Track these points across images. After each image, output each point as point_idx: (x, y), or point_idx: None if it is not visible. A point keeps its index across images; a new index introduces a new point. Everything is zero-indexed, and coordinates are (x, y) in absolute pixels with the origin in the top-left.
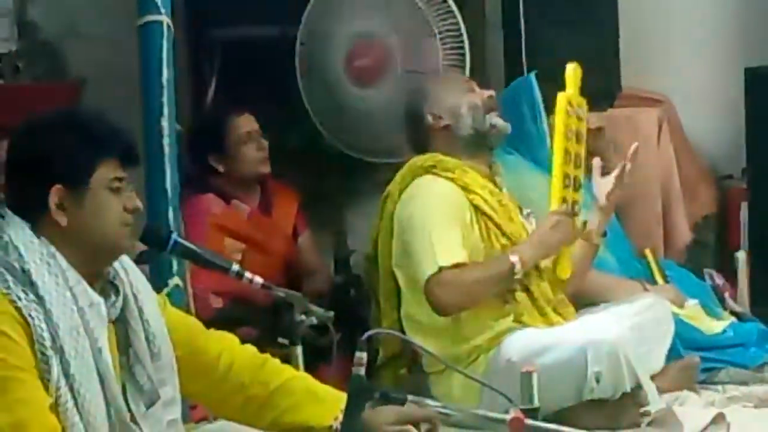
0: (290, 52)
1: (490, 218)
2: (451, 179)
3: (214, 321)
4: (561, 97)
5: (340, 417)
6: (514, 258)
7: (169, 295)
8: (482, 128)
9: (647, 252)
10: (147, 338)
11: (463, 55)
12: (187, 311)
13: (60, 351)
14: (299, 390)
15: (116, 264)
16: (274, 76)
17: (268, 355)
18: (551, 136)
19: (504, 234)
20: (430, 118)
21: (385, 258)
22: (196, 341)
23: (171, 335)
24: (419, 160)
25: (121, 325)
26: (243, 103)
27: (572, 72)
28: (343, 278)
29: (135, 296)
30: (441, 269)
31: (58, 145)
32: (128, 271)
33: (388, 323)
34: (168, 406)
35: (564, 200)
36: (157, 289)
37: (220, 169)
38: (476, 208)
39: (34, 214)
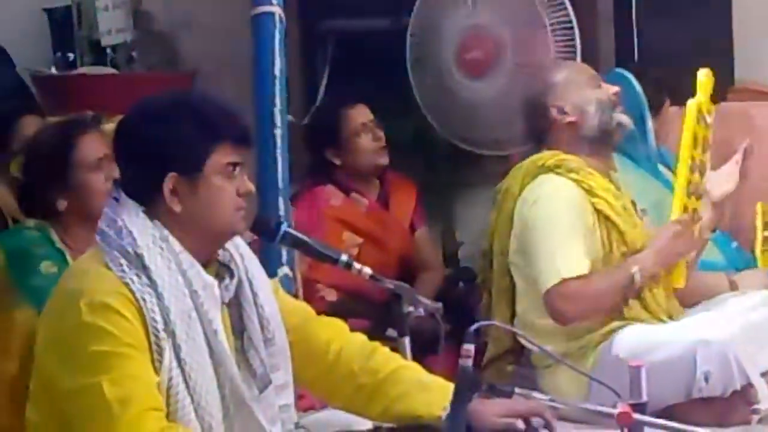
0: (401, 44)
1: (614, 224)
2: (576, 181)
3: (325, 314)
4: (692, 105)
5: (449, 407)
6: (634, 269)
7: None
8: (608, 127)
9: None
10: (261, 323)
11: (574, 47)
12: None
13: (172, 335)
14: (409, 379)
15: (232, 248)
16: (384, 67)
17: (377, 344)
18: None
19: (625, 241)
20: (554, 112)
21: (502, 255)
22: (308, 327)
23: (283, 320)
24: (542, 158)
25: (235, 309)
26: (354, 94)
27: (704, 78)
28: (451, 270)
29: (250, 281)
30: (563, 280)
31: (172, 133)
32: (244, 256)
33: (500, 320)
34: (280, 390)
35: (686, 208)
36: None
37: (337, 162)
38: (599, 213)
39: (149, 200)
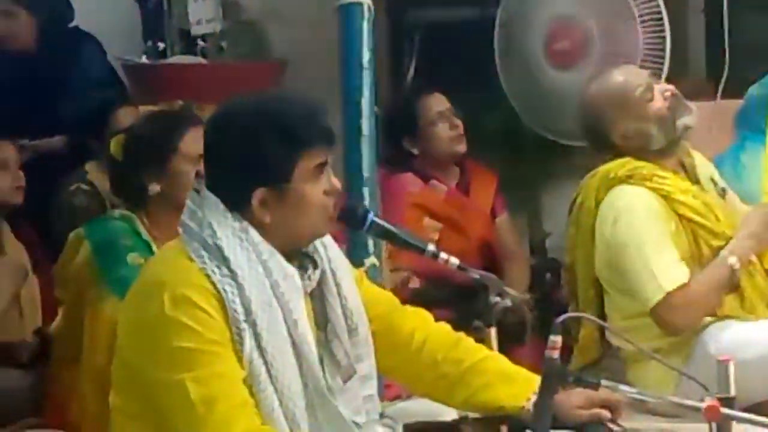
0: (489, 35)
1: (698, 224)
2: (652, 188)
3: (410, 301)
4: None
5: (533, 398)
6: (732, 260)
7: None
8: (674, 136)
9: None
10: (344, 314)
11: (663, 39)
12: None
13: (253, 324)
14: (493, 370)
15: None
16: (472, 58)
17: (462, 334)
18: None
19: (715, 235)
20: (619, 141)
21: (586, 268)
22: (392, 316)
23: (367, 310)
24: (612, 169)
25: (318, 300)
26: (441, 84)
27: None
28: (538, 261)
29: (333, 272)
30: (668, 294)
31: (259, 148)
32: (327, 247)
33: (589, 331)
34: (365, 381)
35: None
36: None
37: (414, 151)
38: (682, 217)
39: (235, 204)
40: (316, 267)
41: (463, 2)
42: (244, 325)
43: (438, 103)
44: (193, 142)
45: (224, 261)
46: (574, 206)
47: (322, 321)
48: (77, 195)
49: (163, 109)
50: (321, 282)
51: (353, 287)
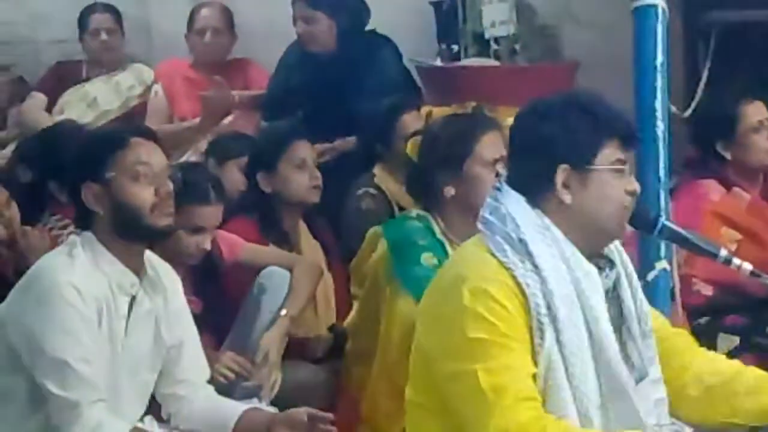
0: None
1: None
2: None
3: (702, 309)
4: None
5: None
6: None
7: (655, 278)
8: None
9: None
10: (638, 316)
11: None
12: (672, 296)
13: (554, 319)
14: (757, 376)
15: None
16: None
17: (720, 354)
18: None
19: None
20: None
21: None
22: (663, 331)
23: None
24: None
25: (613, 302)
26: (737, 88)
27: None
28: None
29: (629, 275)
30: None
31: (564, 126)
32: (621, 253)
33: None
34: (655, 384)
35: None
36: (643, 272)
37: (728, 156)
38: None
39: (538, 193)
40: (612, 267)
41: (761, 3)
42: (546, 319)
43: (758, 111)
44: (490, 145)
45: (528, 255)
46: None
47: (616, 322)
48: (365, 199)
49: (462, 112)
50: (617, 284)
51: (643, 294)
